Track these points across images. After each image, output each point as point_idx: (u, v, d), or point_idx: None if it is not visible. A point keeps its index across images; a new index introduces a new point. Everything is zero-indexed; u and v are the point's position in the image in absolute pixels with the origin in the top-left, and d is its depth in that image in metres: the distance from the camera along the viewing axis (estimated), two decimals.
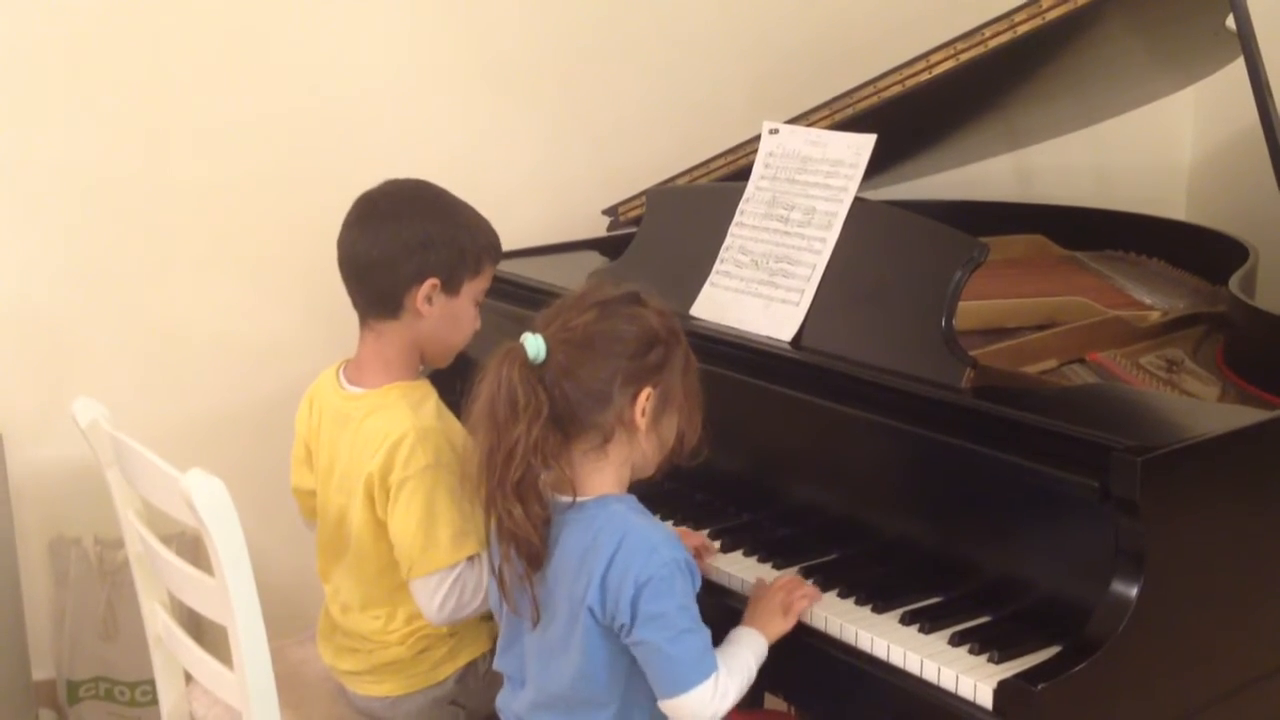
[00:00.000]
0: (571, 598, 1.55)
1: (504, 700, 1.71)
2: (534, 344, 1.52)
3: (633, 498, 1.62)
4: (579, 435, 1.56)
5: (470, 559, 1.80)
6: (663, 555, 1.52)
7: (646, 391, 1.56)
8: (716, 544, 1.87)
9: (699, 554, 1.83)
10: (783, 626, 1.66)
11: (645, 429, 1.57)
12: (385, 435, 1.79)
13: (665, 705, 1.55)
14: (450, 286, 1.85)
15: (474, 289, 1.88)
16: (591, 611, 1.53)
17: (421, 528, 1.78)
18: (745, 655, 1.61)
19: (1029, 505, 1.61)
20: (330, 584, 1.96)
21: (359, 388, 1.88)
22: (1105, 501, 1.49)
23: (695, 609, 1.55)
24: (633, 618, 1.51)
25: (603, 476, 1.59)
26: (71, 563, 2.66)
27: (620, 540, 1.53)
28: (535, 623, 1.59)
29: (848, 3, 3.04)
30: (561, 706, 1.60)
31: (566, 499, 1.57)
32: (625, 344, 1.55)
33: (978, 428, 1.65)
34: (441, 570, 1.79)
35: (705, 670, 1.54)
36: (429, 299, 1.83)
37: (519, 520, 1.52)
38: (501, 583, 1.60)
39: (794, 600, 1.68)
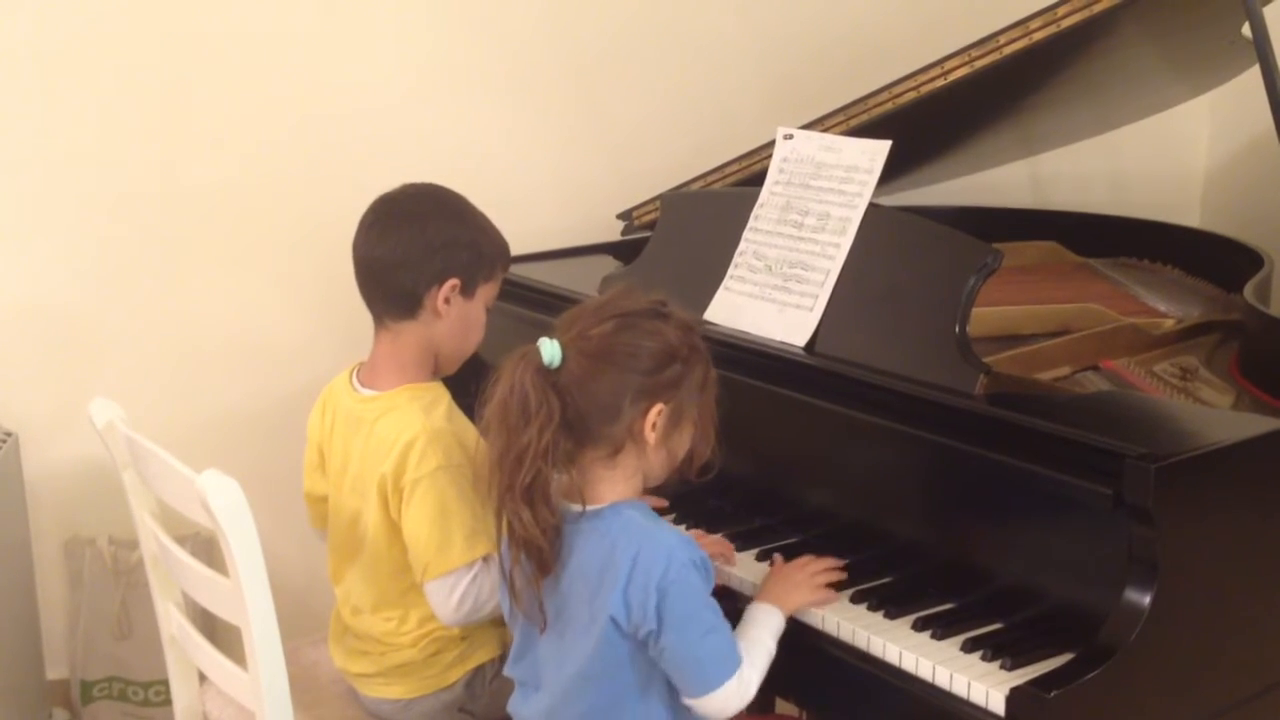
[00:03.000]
0: (592, 607, 1.55)
1: (515, 705, 1.71)
2: (550, 349, 1.52)
3: (644, 504, 1.62)
4: (590, 443, 1.56)
5: (486, 559, 1.81)
6: (679, 558, 1.53)
7: (658, 408, 1.55)
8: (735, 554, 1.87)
9: (722, 558, 1.85)
10: (806, 599, 1.67)
11: (655, 444, 1.57)
12: (397, 437, 1.80)
13: (693, 704, 1.56)
14: (468, 288, 1.87)
15: (487, 293, 1.90)
16: (615, 622, 1.53)
17: (435, 528, 1.78)
18: (764, 638, 1.61)
19: (1042, 512, 1.60)
20: (341, 586, 1.96)
21: (372, 390, 1.89)
22: (1118, 509, 1.49)
23: (715, 604, 1.56)
24: (659, 623, 1.51)
25: (613, 485, 1.59)
26: (86, 563, 2.67)
27: (637, 550, 1.53)
28: (543, 628, 1.59)
29: (864, 9, 3.04)
30: (580, 713, 1.60)
31: (578, 507, 1.57)
32: (640, 359, 1.54)
33: (991, 434, 1.65)
34: (457, 570, 1.79)
35: (731, 667, 1.55)
36: (448, 299, 1.85)
37: (528, 524, 1.53)
38: (512, 587, 1.60)
39: (819, 574, 1.69)
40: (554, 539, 1.56)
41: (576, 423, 1.53)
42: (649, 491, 1.76)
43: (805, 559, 1.75)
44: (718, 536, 1.89)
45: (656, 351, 1.55)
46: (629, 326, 1.55)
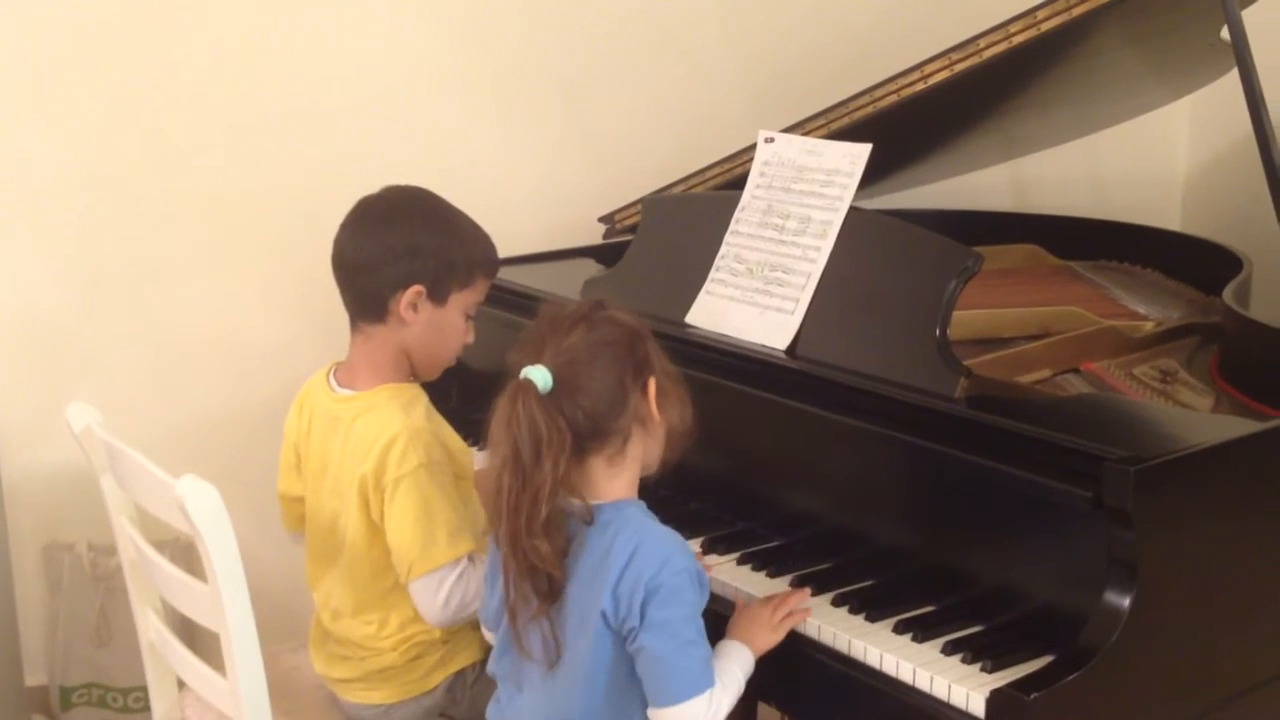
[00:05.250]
0: (584, 603, 1.56)
1: (495, 711, 1.71)
2: (541, 376, 1.52)
3: (643, 503, 1.63)
4: (599, 448, 1.57)
5: (471, 557, 1.80)
6: (675, 564, 1.53)
7: (653, 381, 1.59)
8: (714, 563, 1.87)
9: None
10: (771, 640, 1.67)
11: (659, 419, 1.60)
12: (376, 437, 1.79)
13: (657, 714, 1.55)
14: (436, 296, 1.85)
15: (463, 301, 1.88)
16: (605, 616, 1.54)
17: (419, 526, 1.78)
18: (735, 671, 1.61)
19: (1022, 515, 1.61)
20: (320, 591, 1.96)
21: (349, 390, 1.88)
22: (1098, 511, 1.50)
23: (700, 622, 1.56)
24: (641, 621, 1.52)
25: (619, 482, 1.60)
26: (65, 568, 2.66)
27: (636, 546, 1.54)
28: (553, 664, 1.58)
29: (845, 13, 3.05)
30: (563, 713, 1.60)
31: (579, 502, 1.58)
32: (619, 345, 1.57)
33: (971, 437, 1.65)
34: (443, 567, 1.79)
35: (702, 684, 1.54)
36: (413, 306, 1.84)
37: (547, 557, 1.53)
38: (514, 620, 1.58)
39: (783, 617, 1.68)
40: (564, 563, 1.56)
41: (589, 430, 1.55)
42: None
43: (774, 599, 1.72)
44: (695, 551, 1.88)
45: (627, 335, 1.58)
46: (594, 324, 1.58)
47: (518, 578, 1.55)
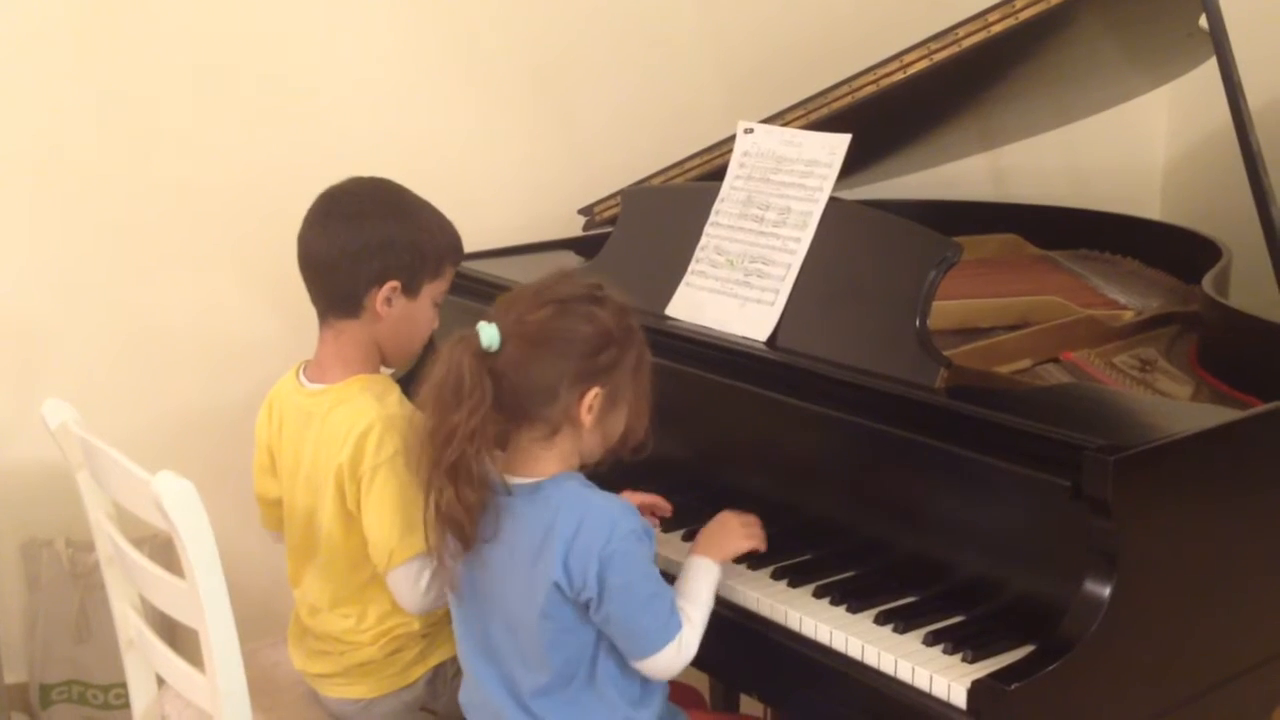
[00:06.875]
0: (533, 576, 1.57)
1: (464, 695, 1.72)
2: (488, 333, 1.55)
3: (581, 475, 1.65)
4: (526, 424, 1.59)
5: None
6: (622, 528, 1.56)
7: (595, 391, 1.59)
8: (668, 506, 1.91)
9: (651, 511, 1.89)
10: (737, 546, 1.72)
11: (590, 426, 1.60)
12: (352, 426, 1.79)
13: (637, 665, 1.60)
14: (410, 289, 1.85)
15: (433, 291, 1.88)
16: (559, 587, 1.56)
17: (398, 514, 1.77)
18: (702, 591, 1.65)
19: (1002, 505, 1.61)
20: (300, 588, 1.95)
21: (320, 384, 1.88)
22: (1078, 501, 1.50)
23: (655, 571, 1.59)
24: (600, 591, 1.54)
25: (550, 462, 1.62)
26: (43, 565, 2.64)
27: (581, 518, 1.56)
28: (454, 589, 1.64)
29: (825, 3, 3.05)
30: (534, 681, 1.62)
31: (519, 480, 1.60)
32: (577, 344, 1.57)
33: (952, 428, 1.65)
34: (422, 555, 1.78)
35: (671, 631, 1.58)
36: (389, 301, 1.83)
37: (450, 501, 1.56)
38: (442, 562, 1.62)
39: (750, 523, 1.75)
40: (477, 516, 1.58)
41: (513, 405, 1.57)
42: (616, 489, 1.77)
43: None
44: (653, 499, 1.90)
45: (592, 336, 1.58)
46: (566, 312, 1.58)
47: (436, 521, 1.58)
